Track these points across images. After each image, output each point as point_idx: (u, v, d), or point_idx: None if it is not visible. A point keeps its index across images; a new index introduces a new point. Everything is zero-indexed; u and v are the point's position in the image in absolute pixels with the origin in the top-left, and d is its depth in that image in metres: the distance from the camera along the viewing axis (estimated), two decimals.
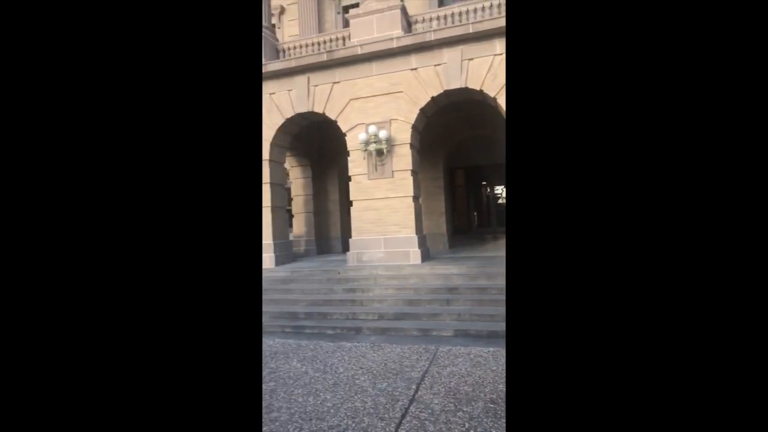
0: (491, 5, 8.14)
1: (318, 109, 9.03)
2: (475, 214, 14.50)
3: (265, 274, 8.70)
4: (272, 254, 9.35)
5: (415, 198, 8.74)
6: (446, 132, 11.22)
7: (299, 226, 11.88)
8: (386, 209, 8.58)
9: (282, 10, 12.16)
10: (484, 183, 14.24)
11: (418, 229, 8.75)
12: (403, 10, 8.64)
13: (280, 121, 9.26)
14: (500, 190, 14.18)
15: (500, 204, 13.98)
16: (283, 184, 10.03)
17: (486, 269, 7.54)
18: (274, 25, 11.57)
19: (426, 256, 8.89)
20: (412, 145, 8.53)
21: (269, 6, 9.75)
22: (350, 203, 9.00)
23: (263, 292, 8.20)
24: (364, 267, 8.40)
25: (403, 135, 8.45)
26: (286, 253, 9.86)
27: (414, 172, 8.69)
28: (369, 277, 7.97)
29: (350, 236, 9.04)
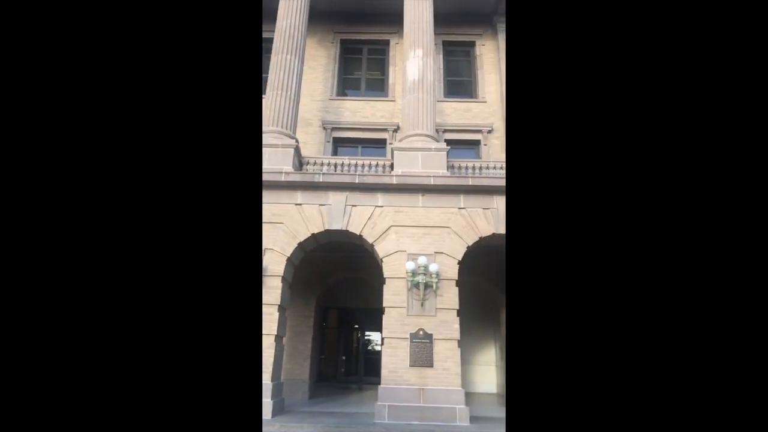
0: (382, 164, 9.10)
1: None
2: (344, 358, 13.47)
3: None
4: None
5: (279, 337, 7.85)
6: (322, 269, 11.07)
7: None
8: None
9: None
10: (356, 326, 13.70)
11: (275, 375, 7.65)
12: (297, 151, 9.10)
13: None
14: (374, 336, 13.63)
15: (369, 351, 13.34)
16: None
17: (342, 431, 6.62)
18: None
19: (279, 409, 7.65)
20: (283, 279, 8.03)
21: None
22: None
23: None
24: None
25: (276, 266, 7.98)
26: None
27: (282, 308, 7.99)
28: None
29: None
